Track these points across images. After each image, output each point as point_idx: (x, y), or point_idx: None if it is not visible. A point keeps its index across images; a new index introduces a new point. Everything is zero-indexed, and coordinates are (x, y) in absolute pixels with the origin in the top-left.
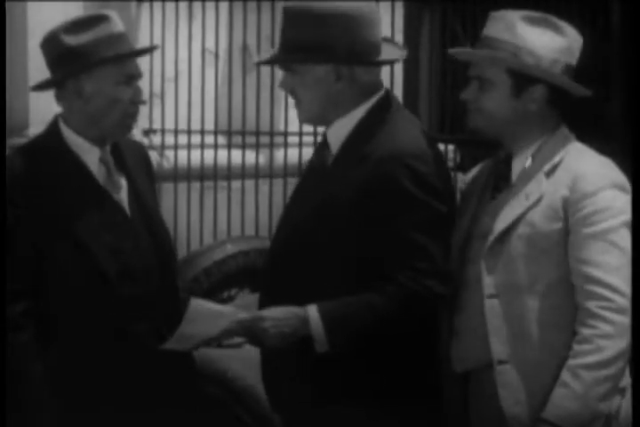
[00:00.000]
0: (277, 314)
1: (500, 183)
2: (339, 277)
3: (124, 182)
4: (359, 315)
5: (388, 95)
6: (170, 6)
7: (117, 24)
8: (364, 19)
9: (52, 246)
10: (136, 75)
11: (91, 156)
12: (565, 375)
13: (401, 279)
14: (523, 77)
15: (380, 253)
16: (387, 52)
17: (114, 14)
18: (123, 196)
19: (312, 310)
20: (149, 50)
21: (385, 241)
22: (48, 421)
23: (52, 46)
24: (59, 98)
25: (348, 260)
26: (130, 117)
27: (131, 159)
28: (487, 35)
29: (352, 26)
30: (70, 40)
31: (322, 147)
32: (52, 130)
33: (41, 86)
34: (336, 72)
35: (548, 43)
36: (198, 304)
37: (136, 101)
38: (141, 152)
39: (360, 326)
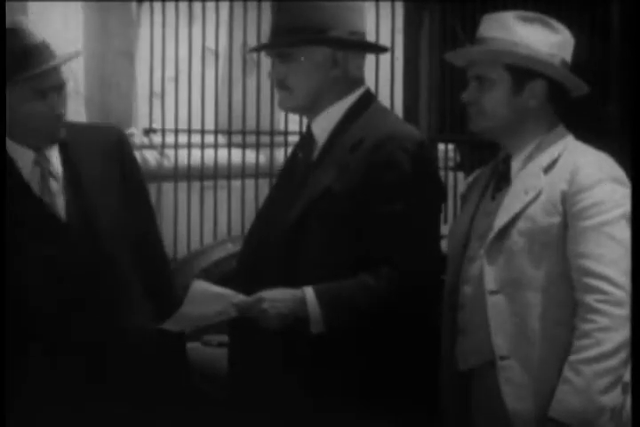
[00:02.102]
0: (276, 295)
1: (500, 183)
2: (334, 268)
3: (59, 185)
4: (354, 295)
5: (370, 90)
6: (170, 6)
7: (30, 36)
8: (356, 7)
9: None
10: (52, 87)
11: (24, 159)
12: (567, 371)
13: (396, 261)
14: (522, 72)
15: (377, 237)
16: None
17: (27, 22)
18: (58, 199)
19: (308, 291)
20: (56, 60)
21: (382, 224)
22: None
23: None
24: None
25: (344, 249)
26: (50, 129)
27: (90, 152)
28: (482, 35)
29: (347, 12)
30: None
31: (305, 141)
32: None
33: None
34: (333, 58)
35: (544, 38)
36: (200, 285)
37: (55, 115)
38: (114, 140)
39: (355, 306)
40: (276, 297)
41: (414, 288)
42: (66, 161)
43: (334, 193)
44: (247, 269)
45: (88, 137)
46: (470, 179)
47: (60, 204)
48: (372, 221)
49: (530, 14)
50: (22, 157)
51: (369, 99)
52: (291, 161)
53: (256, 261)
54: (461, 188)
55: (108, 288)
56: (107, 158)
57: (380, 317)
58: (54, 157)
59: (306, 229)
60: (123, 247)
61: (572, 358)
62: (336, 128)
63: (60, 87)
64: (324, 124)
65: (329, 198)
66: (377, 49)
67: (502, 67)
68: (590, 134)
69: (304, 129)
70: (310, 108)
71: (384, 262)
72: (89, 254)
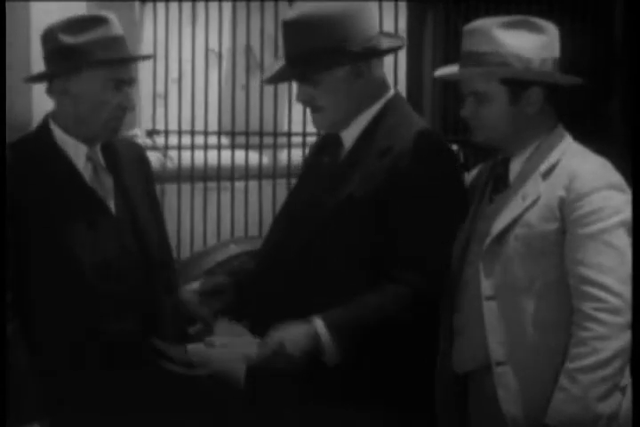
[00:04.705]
0: (292, 335)
1: (498, 185)
2: (353, 278)
3: (110, 181)
4: (364, 319)
5: (399, 94)
6: (173, 7)
7: (115, 27)
8: (362, 13)
9: (33, 240)
10: (126, 80)
11: (78, 153)
12: (563, 380)
13: (406, 276)
14: (518, 84)
15: (394, 248)
16: (387, 42)
17: (113, 17)
18: (109, 194)
19: (319, 325)
20: (140, 58)
21: (401, 229)
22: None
23: (48, 42)
24: (48, 93)
25: (364, 258)
26: (115, 121)
27: (124, 159)
28: (468, 50)
29: (356, 19)
30: (65, 39)
31: (332, 145)
32: (42, 127)
33: (33, 79)
34: (355, 70)
35: (531, 43)
36: (226, 329)
37: (123, 107)
38: (138, 153)
39: (366, 330)
40: (293, 338)
41: (429, 292)
42: (107, 160)
43: (359, 199)
44: (264, 269)
45: (120, 144)
46: (467, 180)
47: (110, 199)
48: (389, 227)
49: (510, 19)
50: (75, 150)
51: (396, 104)
52: (313, 163)
53: (274, 263)
54: None
55: (144, 286)
56: (139, 169)
57: (391, 327)
58: (100, 155)
59: (327, 235)
60: (156, 248)
61: (569, 366)
62: (363, 134)
63: (130, 82)
64: (351, 131)
65: (354, 204)
66: (392, 50)
67: (497, 81)
68: (590, 134)
69: (307, 130)
70: (345, 122)
71: (399, 265)
72: (132, 251)
